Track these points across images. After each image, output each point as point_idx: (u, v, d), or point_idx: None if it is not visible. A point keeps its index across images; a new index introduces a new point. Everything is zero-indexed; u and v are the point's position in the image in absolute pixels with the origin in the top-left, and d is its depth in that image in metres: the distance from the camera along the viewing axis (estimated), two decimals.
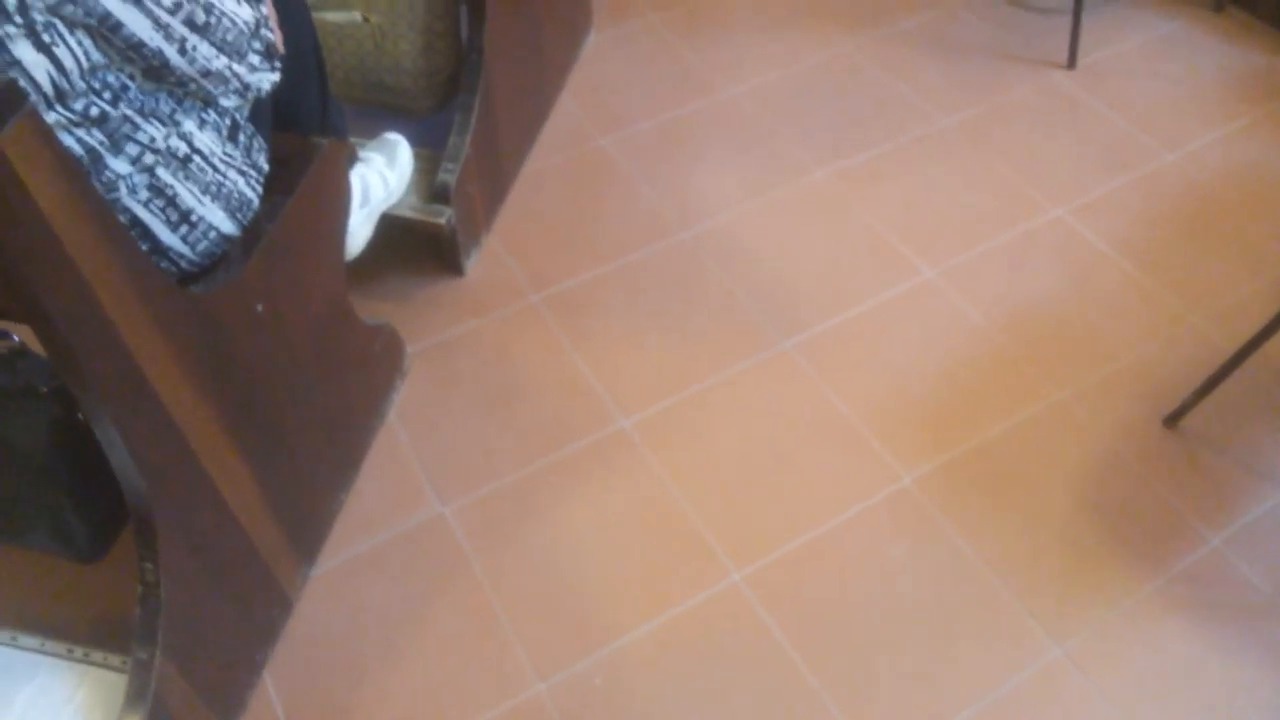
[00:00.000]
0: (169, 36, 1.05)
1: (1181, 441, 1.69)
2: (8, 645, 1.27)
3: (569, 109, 2.23)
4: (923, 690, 1.43)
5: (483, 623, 1.49)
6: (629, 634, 1.48)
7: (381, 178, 1.69)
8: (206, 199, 1.18)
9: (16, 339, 1.16)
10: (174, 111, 1.13)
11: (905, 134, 2.18)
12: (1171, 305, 1.87)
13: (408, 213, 1.78)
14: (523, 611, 1.51)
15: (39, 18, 0.95)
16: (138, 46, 1.03)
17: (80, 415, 1.14)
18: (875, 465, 1.66)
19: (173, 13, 1.04)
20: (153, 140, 1.11)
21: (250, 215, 1.25)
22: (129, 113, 1.08)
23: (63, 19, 0.96)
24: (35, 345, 1.05)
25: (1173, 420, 1.71)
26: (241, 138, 1.23)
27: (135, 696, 1.16)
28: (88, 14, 0.97)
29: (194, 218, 1.17)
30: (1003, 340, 1.83)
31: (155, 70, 1.08)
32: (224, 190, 1.20)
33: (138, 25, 1.01)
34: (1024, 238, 1.98)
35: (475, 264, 1.94)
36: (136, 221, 1.13)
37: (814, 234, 1.99)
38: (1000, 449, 1.68)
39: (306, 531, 1.52)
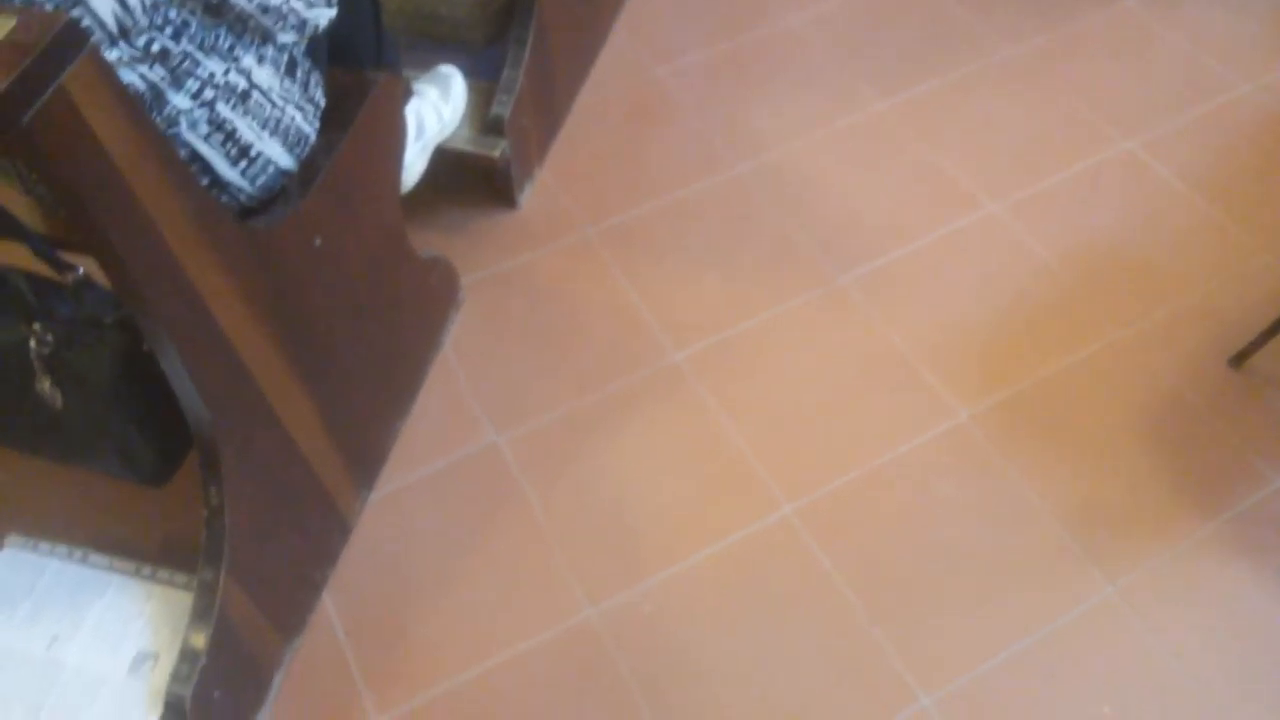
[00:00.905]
0: None
1: (1247, 381, 1.65)
2: (79, 563, 1.33)
3: (623, 40, 2.20)
4: (972, 624, 1.44)
5: (534, 549, 1.53)
6: (679, 564, 1.50)
7: (436, 111, 1.70)
8: (265, 134, 1.19)
9: (81, 271, 1.19)
10: (233, 47, 1.14)
11: (969, 64, 2.12)
12: (1242, 242, 1.82)
13: (462, 146, 1.78)
14: (574, 539, 1.53)
15: None
16: None
17: (145, 345, 1.17)
18: (931, 401, 1.65)
19: None
20: (212, 75, 1.12)
21: (307, 150, 1.26)
22: (189, 48, 1.09)
23: None
24: (100, 277, 1.08)
25: (1238, 360, 1.67)
26: (299, 73, 1.24)
27: (201, 613, 1.21)
28: None
29: (253, 152, 1.19)
30: (1065, 276, 1.79)
31: (215, 6, 1.08)
32: (282, 125, 1.21)
33: None
34: (1091, 171, 1.93)
35: (529, 197, 1.94)
36: (196, 156, 1.15)
37: (873, 167, 1.96)
38: (1059, 386, 1.66)
39: (364, 458, 1.56)
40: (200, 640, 1.21)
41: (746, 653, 1.43)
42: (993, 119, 2.02)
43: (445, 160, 1.77)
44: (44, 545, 1.35)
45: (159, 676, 1.23)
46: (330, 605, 1.48)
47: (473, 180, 1.94)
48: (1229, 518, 1.52)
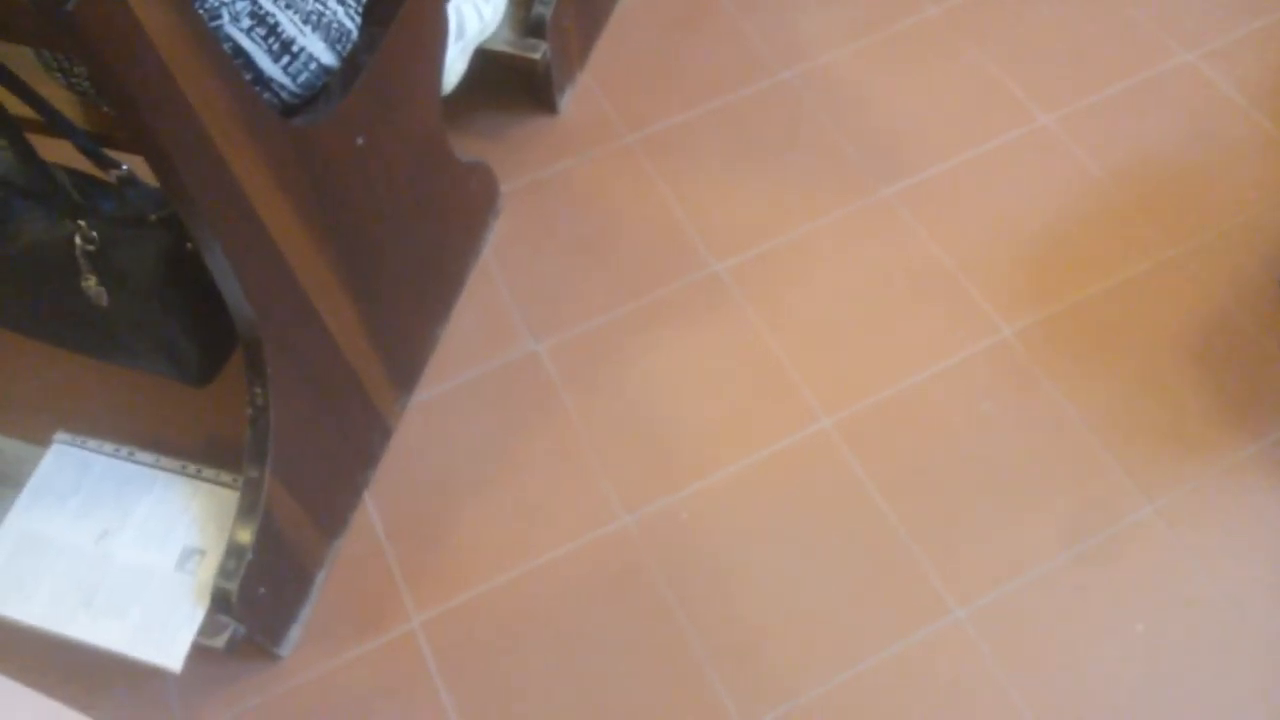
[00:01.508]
0: None
1: None
2: (125, 460, 1.35)
3: None
4: (1008, 540, 1.44)
5: (572, 456, 1.53)
6: (716, 473, 1.51)
7: (476, 10, 1.66)
8: (307, 29, 1.17)
9: (126, 167, 1.19)
10: None
11: None
12: None
13: (502, 47, 1.74)
14: (612, 447, 1.54)
15: None
16: None
17: (189, 244, 1.17)
18: (975, 316, 1.63)
19: None
20: None
21: (349, 46, 1.23)
22: None
23: None
24: (144, 174, 1.07)
25: None
26: None
27: (247, 511, 1.23)
28: None
29: (295, 48, 1.16)
30: (1117, 192, 1.75)
31: None
32: (324, 20, 1.18)
33: None
34: (1149, 84, 1.87)
35: (570, 102, 1.90)
36: (239, 51, 1.13)
37: (923, 76, 1.91)
38: (1106, 304, 1.63)
39: (405, 362, 1.56)
40: (246, 537, 1.23)
41: (781, 562, 1.44)
42: (1050, 26, 1.96)
43: (486, 63, 1.74)
44: (92, 442, 1.37)
45: (206, 571, 1.25)
46: (371, 506, 1.50)
47: (513, 84, 1.90)
48: (1273, 440, 1.50)
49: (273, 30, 1.13)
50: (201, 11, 1.08)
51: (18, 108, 1.13)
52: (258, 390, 1.19)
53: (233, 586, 1.21)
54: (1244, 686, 1.33)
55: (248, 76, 1.15)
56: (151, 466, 1.35)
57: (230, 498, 1.29)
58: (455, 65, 1.63)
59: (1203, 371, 1.57)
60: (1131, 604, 1.39)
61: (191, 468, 1.34)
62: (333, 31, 1.20)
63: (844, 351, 1.61)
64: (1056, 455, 1.50)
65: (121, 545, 1.28)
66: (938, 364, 1.59)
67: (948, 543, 1.44)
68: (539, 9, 1.73)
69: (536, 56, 1.74)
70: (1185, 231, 1.70)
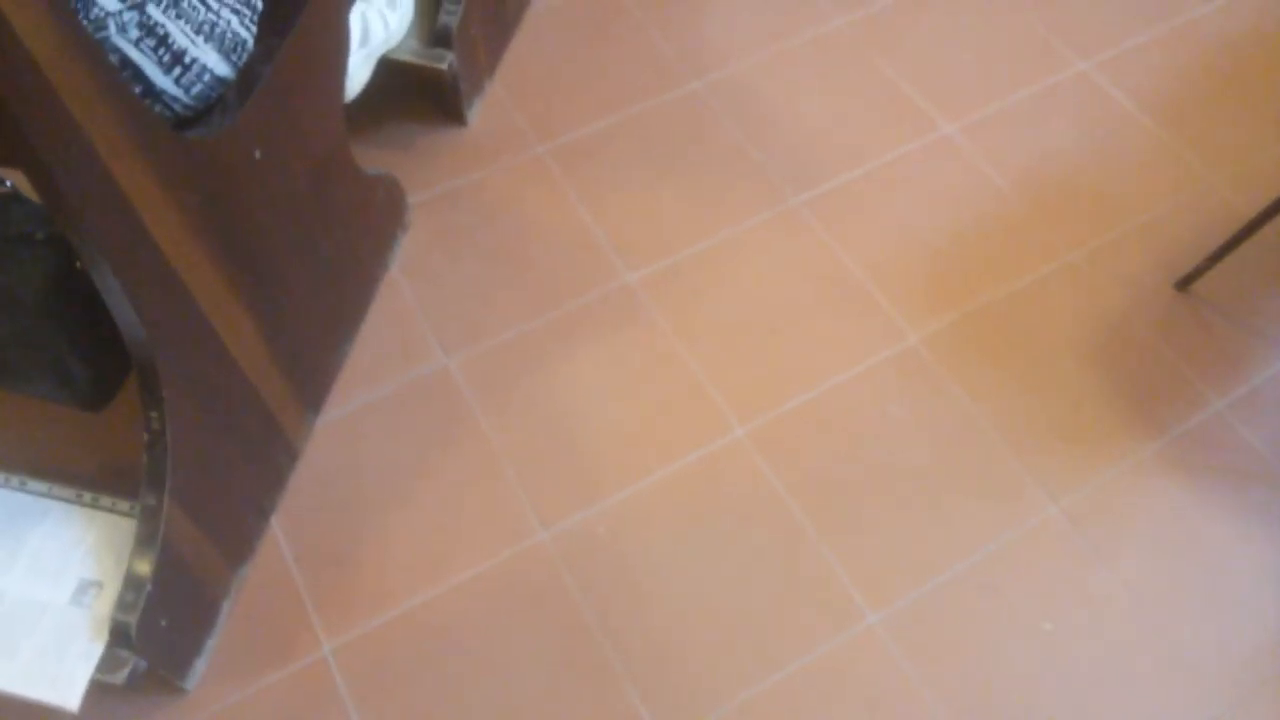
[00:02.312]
0: None
1: (1192, 305, 1.67)
2: (16, 490, 1.29)
3: None
4: (919, 542, 1.46)
5: (487, 472, 1.51)
6: (632, 485, 1.50)
7: (382, 18, 1.63)
8: (199, 39, 1.13)
9: (9, 184, 1.13)
10: None
11: None
12: (1192, 166, 1.82)
13: (408, 57, 1.72)
14: (526, 462, 1.52)
15: None
16: None
17: (78, 262, 1.12)
18: (882, 323, 1.65)
19: None
20: None
21: (245, 56, 1.20)
22: None
23: None
24: (29, 190, 1.02)
25: (1185, 284, 1.68)
26: None
27: (145, 540, 1.18)
28: None
29: (187, 59, 1.13)
30: (1017, 199, 1.79)
31: None
32: (217, 30, 1.15)
33: None
34: (1047, 93, 1.92)
35: (478, 112, 1.88)
36: (128, 63, 1.09)
37: (830, 85, 1.93)
38: (1009, 309, 1.67)
39: (311, 381, 1.52)
40: (145, 567, 1.18)
41: (699, 573, 1.44)
42: (953, 37, 2.00)
43: (391, 73, 1.71)
44: None
45: (103, 605, 1.20)
46: (279, 531, 1.46)
47: (420, 95, 1.87)
48: (1171, 438, 1.55)
49: (163, 41, 1.09)
50: (86, 22, 1.04)
51: None
52: (153, 414, 1.15)
53: (131, 619, 1.17)
54: (1149, 680, 1.37)
55: (138, 89, 1.11)
56: (44, 496, 1.29)
57: (128, 526, 1.24)
58: (358, 73, 1.60)
59: (1102, 372, 1.61)
60: (1039, 603, 1.42)
61: (87, 496, 1.29)
62: (227, 42, 1.16)
63: (756, 360, 1.62)
64: (963, 458, 1.53)
65: (12, 580, 1.23)
66: (847, 371, 1.60)
67: (860, 548, 1.46)
68: (445, 18, 1.70)
69: (443, 67, 1.72)
70: (1083, 236, 1.74)
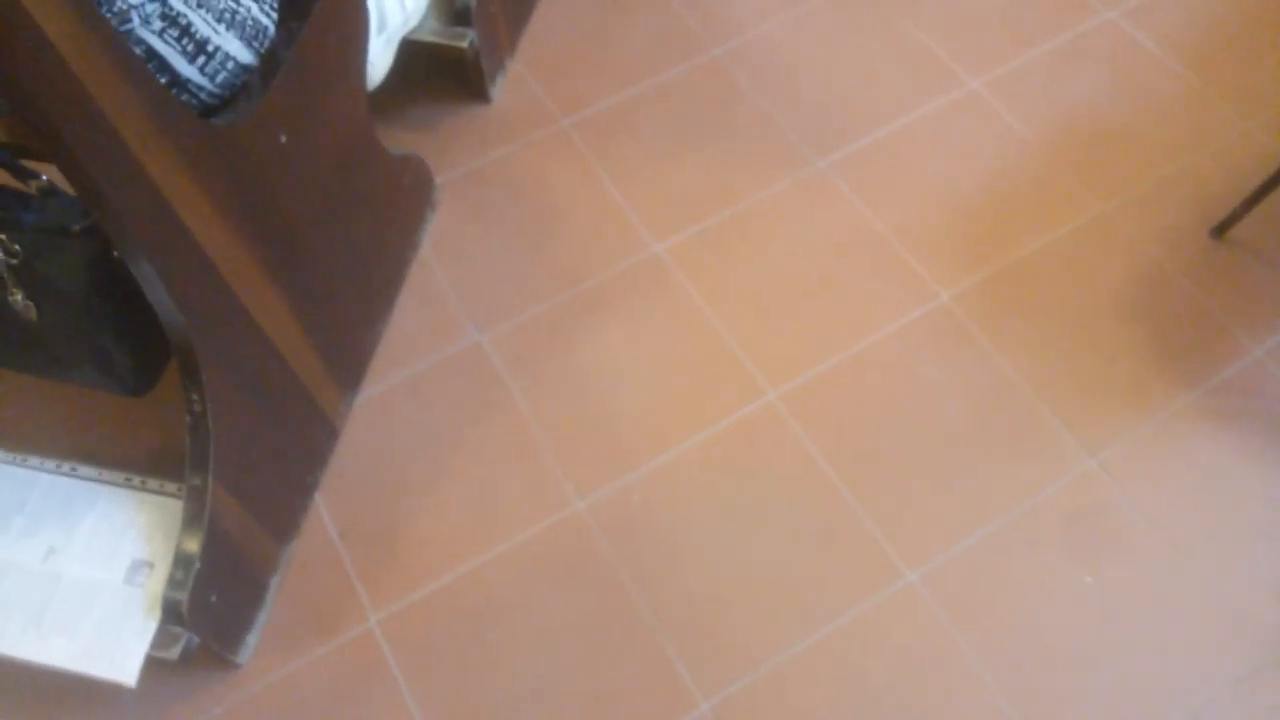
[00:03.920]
0: None
1: (1228, 252, 1.65)
2: (68, 476, 1.33)
3: None
4: (955, 501, 1.46)
5: (522, 445, 1.53)
6: (665, 453, 1.51)
7: (399, 1, 1.64)
8: (221, 27, 1.15)
9: (45, 178, 1.16)
10: None
11: None
12: (1224, 111, 1.79)
13: (429, 37, 1.73)
14: (560, 434, 1.54)
15: None
16: None
17: (115, 252, 1.15)
18: (912, 283, 1.65)
19: None
20: None
21: (267, 43, 1.22)
22: None
23: None
24: (64, 183, 1.05)
25: (1220, 231, 1.66)
26: None
27: (192, 519, 1.22)
28: None
29: (210, 47, 1.15)
30: (1047, 152, 1.77)
31: None
32: (238, 17, 1.17)
33: None
34: (1073, 43, 1.89)
35: (501, 89, 1.89)
36: (153, 54, 1.11)
37: (853, 45, 1.92)
38: (1041, 263, 1.66)
39: (347, 361, 1.55)
40: (194, 545, 1.22)
41: (734, 537, 1.45)
42: None
43: (413, 54, 1.72)
44: (32, 459, 1.35)
45: (155, 583, 1.24)
46: (323, 507, 1.49)
47: (442, 74, 1.89)
48: (1209, 388, 1.53)
49: (185, 31, 1.11)
50: (110, 15, 1.06)
51: None
52: (194, 397, 1.18)
53: (183, 596, 1.20)
54: (1190, 631, 1.36)
55: (163, 79, 1.13)
56: (95, 481, 1.33)
57: (176, 507, 1.28)
58: (380, 58, 1.62)
59: (1138, 324, 1.59)
60: (1079, 557, 1.42)
61: (135, 479, 1.33)
62: (248, 29, 1.18)
63: (786, 324, 1.62)
64: (998, 415, 1.53)
65: (68, 562, 1.27)
66: (878, 332, 1.60)
67: (897, 507, 1.46)
68: None
69: (464, 45, 1.73)
70: (1115, 187, 1.72)
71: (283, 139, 1.24)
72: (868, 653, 1.37)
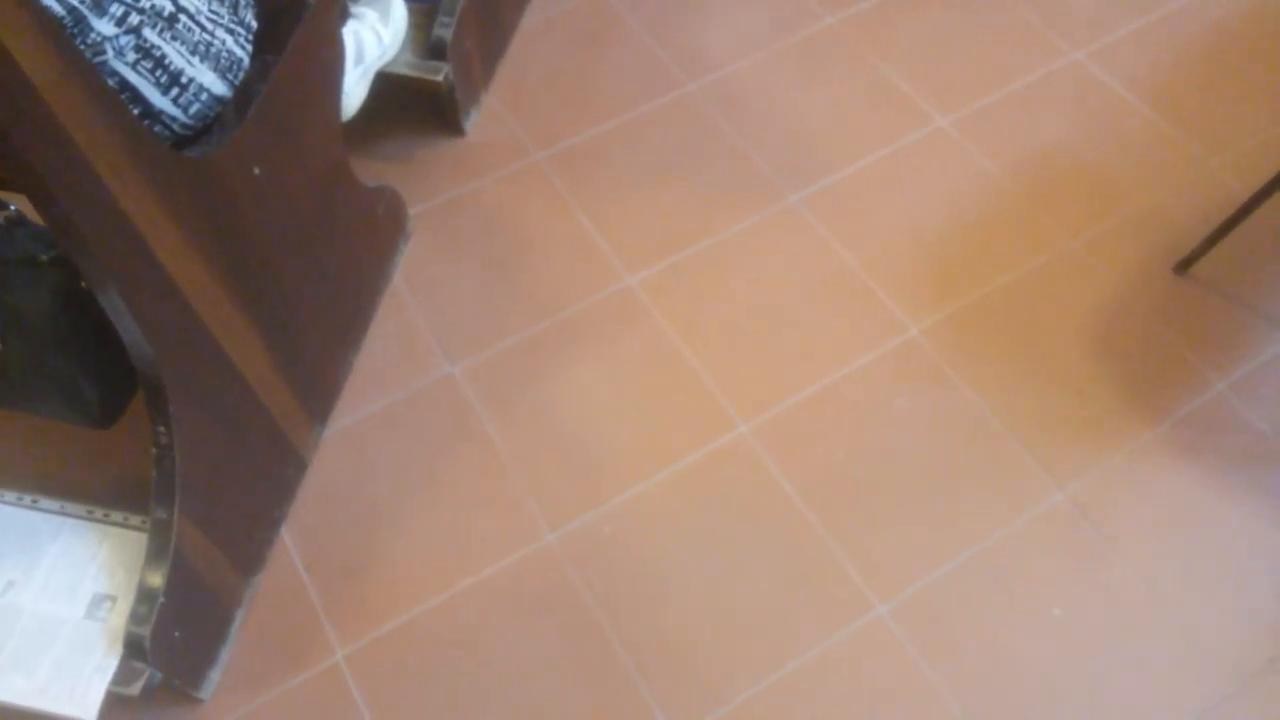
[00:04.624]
0: None
1: (1192, 288, 1.68)
2: (30, 508, 1.31)
3: None
4: (925, 533, 1.47)
5: (493, 478, 1.53)
6: (637, 486, 1.51)
7: (375, 34, 1.65)
8: (195, 59, 1.15)
9: (14, 208, 1.16)
10: None
11: None
12: (1188, 149, 1.83)
13: (404, 70, 1.74)
14: (532, 466, 1.53)
15: None
16: None
17: (83, 282, 1.14)
18: (882, 317, 1.66)
19: None
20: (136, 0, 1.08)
21: (241, 75, 1.22)
22: None
23: None
24: (33, 214, 1.04)
25: (1184, 267, 1.69)
26: None
27: (157, 553, 1.20)
28: None
29: (184, 79, 1.15)
30: (1015, 189, 1.80)
31: None
32: (213, 50, 1.17)
33: None
34: (1041, 83, 1.93)
35: (475, 122, 1.90)
36: (126, 85, 1.11)
37: (824, 83, 1.94)
38: (1009, 298, 1.68)
39: (317, 392, 1.54)
40: (157, 580, 1.20)
41: (705, 570, 1.45)
42: (943, 31, 2.01)
43: (388, 86, 1.73)
44: None
45: (117, 618, 1.22)
46: (289, 541, 1.48)
47: (417, 107, 1.90)
48: (1174, 421, 1.55)
49: (159, 63, 1.11)
50: (84, 47, 1.06)
51: None
52: (161, 429, 1.17)
53: (145, 632, 1.18)
54: (1158, 662, 1.37)
55: (137, 110, 1.13)
56: (56, 513, 1.31)
57: (140, 540, 1.26)
58: (355, 90, 1.62)
59: (1104, 358, 1.61)
60: (1047, 590, 1.42)
61: (99, 512, 1.31)
62: (222, 61, 1.18)
63: (758, 358, 1.63)
64: (968, 448, 1.54)
65: (28, 596, 1.25)
66: (849, 365, 1.61)
67: (867, 540, 1.46)
68: (439, 31, 1.72)
69: (439, 79, 1.74)
70: (1081, 224, 1.75)
71: (256, 171, 1.24)
72: (838, 686, 1.36)
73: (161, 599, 1.19)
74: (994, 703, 1.35)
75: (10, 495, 1.32)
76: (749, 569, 1.45)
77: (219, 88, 1.19)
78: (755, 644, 1.39)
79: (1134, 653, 1.38)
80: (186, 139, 1.19)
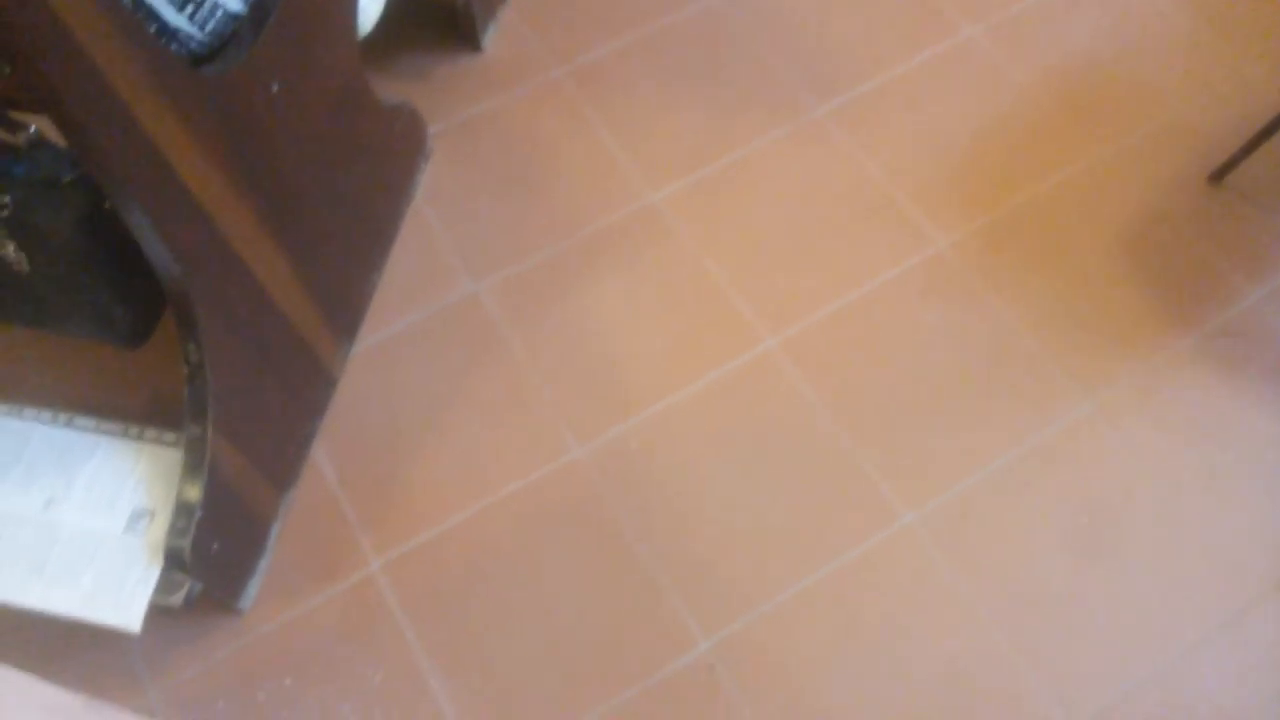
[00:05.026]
0: None
1: (1226, 197, 1.64)
2: (65, 427, 1.33)
3: None
4: (953, 444, 1.47)
5: (520, 394, 1.54)
6: (663, 401, 1.52)
7: None
8: None
9: (34, 129, 1.16)
10: None
11: None
12: (1225, 56, 1.78)
13: None
14: (559, 382, 1.54)
15: None
16: None
17: (107, 203, 1.15)
18: (910, 231, 1.64)
19: None
20: None
21: None
22: None
23: None
24: (53, 134, 1.05)
25: (1218, 176, 1.66)
26: None
27: (192, 468, 1.22)
28: None
29: None
30: (1046, 98, 1.76)
31: None
32: None
33: None
34: None
35: (493, 38, 1.87)
36: (141, 3, 1.10)
37: None
38: (1039, 210, 1.65)
39: (343, 310, 1.55)
40: (194, 494, 1.23)
41: (732, 482, 1.46)
42: None
43: (403, 1, 1.70)
44: (29, 411, 1.35)
45: (156, 531, 1.25)
46: (322, 456, 1.50)
47: (434, 23, 1.87)
48: (1206, 332, 1.54)
49: None
50: None
51: None
52: (191, 347, 1.18)
53: (185, 544, 1.21)
54: (1184, 572, 1.38)
55: (152, 28, 1.12)
56: (92, 431, 1.34)
57: (175, 457, 1.29)
58: (371, 5, 1.60)
59: (1135, 270, 1.59)
60: (1075, 499, 1.43)
61: (133, 429, 1.33)
62: None
63: (784, 272, 1.62)
64: (996, 360, 1.53)
65: (68, 512, 1.28)
66: (876, 279, 1.60)
67: (895, 451, 1.47)
68: None
69: None
70: (1113, 133, 1.71)
71: (274, 88, 1.23)
72: (865, 593, 1.38)
73: (199, 513, 1.22)
74: (1019, 608, 1.36)
75: (45, 414, 1.35)
76: (776, 481, 1.46)
77: (234, 4, 1.18)
78: (782, 554, 1.41)
79: (1160, 562, 1.38)
80: (203, 57, 1.19)
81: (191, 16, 1.14)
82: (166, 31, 1.13)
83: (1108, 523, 1.41)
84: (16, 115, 1.14)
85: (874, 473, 1.46)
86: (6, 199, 1.12)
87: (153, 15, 1.11)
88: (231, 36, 1.19)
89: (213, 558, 1.28)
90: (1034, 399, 1.50)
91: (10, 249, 1.15)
